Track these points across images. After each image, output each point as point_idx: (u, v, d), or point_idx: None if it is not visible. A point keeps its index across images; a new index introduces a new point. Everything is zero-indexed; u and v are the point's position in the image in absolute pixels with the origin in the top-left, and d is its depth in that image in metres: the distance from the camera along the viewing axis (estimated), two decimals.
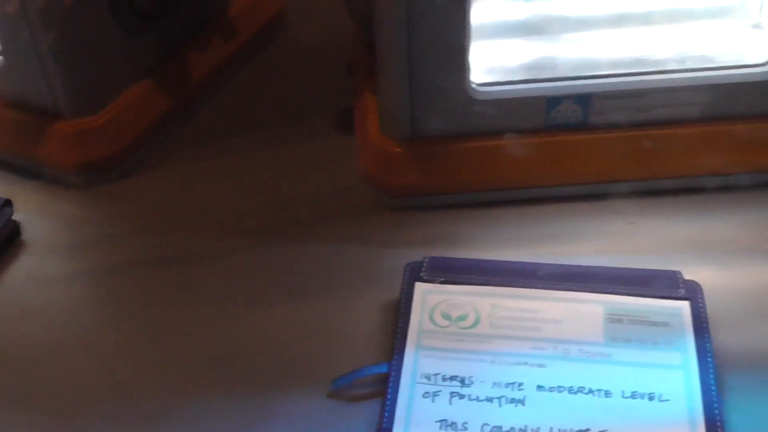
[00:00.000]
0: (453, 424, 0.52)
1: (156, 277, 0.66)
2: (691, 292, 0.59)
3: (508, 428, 0.51)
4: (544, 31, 0.69)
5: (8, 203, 0.68)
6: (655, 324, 0.57)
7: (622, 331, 0.56)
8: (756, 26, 0.69)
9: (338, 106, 0.78)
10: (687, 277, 0.61)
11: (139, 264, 0.67)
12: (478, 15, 0.68)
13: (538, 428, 0.51)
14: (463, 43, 0.62)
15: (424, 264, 0.61)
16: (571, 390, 0.53)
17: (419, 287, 0.60)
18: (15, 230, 0.69)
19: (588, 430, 0.51)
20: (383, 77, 0.65)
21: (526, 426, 0.51)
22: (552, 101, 0.66)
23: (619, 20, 0.71)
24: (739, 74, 0.66)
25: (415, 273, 0.61)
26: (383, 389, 0.55)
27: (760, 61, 0.67)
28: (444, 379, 0.54)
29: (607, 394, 0.53)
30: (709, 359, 0.55)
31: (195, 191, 0.73)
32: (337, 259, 0.65)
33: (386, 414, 0.50)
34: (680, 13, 0.71)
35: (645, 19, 0.71)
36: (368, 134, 0.69)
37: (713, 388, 0.53)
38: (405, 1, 0.60)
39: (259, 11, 0.84)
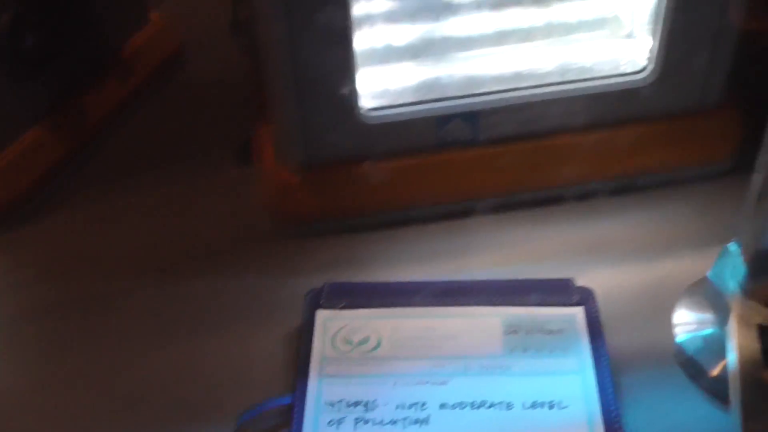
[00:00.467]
0: None
1: (59, 324, 0.63)
2: (585, 298, 0.59)
3: None
4: (429, 53, 0.69)
5: None
6: (550, 332, 0.57)
7: (519, 341, 0.56)
8: (629, 36, 0.69)
9: (238, 138, 0.76)
10: (582, 282, 0.61)
11: (42, 311, 0.64)
12: (363, 41, 0.68)
13: None
14: (350, 69, 0.62)
15: (324, 291, 0.60)
16: (473, 405, 0.53)
17: (320, 314, 0.58)
18: None
19: None
20: (274, 107, 0.64)
21: None
22: (441, 120, 0.66)
23: (501, 37, 0.71)
24: (617, 83, 0.67)
25: (315, 300, 0.60)
26: (289, 420, 0.53)
27: (635, 69, 0.67)
28: (348, 405, 0.53)
29: (509, 406, 0.53)
30: (604, 362, 0.55)
31: (97, 233, 0.71)
32: (239, 291, 0.64)
33: None
34: (558, 28, 0.72)
35: (526, 35, 0.71)
36: (265, 164, 0.68)
37: (610, 390, 0.53)
38: (288, 31, 0.59)
39: (156, 48, 0.83)
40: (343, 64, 0.62)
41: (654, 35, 0.66)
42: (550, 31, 0.72)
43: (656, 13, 0.65)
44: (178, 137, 0.79)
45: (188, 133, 0.80)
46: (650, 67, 0.66)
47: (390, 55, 0.68)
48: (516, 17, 0.72)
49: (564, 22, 0.72)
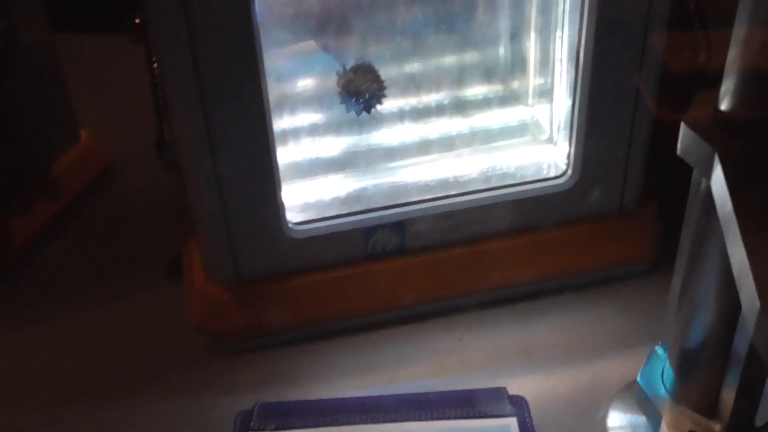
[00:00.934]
0: None
1: None
2: (518, 407, 0.57)
3: None
4: (355, 165, 0.69)
5: None
6: None
7: None
8: (550, 141, 0.70)
9: (169, 254, 0.74)
10: (514, 389, 0.60)
11: None
12: (287, 155, 0.67)
13: None
14: (274, 186, 0.61)
15: (255, 412, 0.58)
16: None
17: None
18: None
19: None
20: (200, 224, 0.62)
21: None
22: (368, 232, 0.65)
23: (425, 147, 0.71)
24: (539, 188, 0.67)
25: (246, 423, 0.57)
26: None
27: (556, 174, 0.67)
28: None
29: None
30: None
31: (22, 360, 0.67)
32: (170, 414, 0.61)
33: None
34: (481, 135, 0.72)
35: (449, 144, 0.71)
36: (194, 281, 0.66)
37: None
38: (210, 150, 0.58)
39: (86, 167, 0.81)
40: (267, 180, 0.61)
41: (570, 140, 0.66)
42: (472, 138, 0.73)
43: (571, 119, 0.65)
44: (107, 255, 0.77)
45: (118, 251, 0.77)
46: (569, 172, 0.66)
47: (315, 168, 0.68)
48: (439, 127, 0.72)
49: (486, 128, 0.73)
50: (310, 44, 0.65)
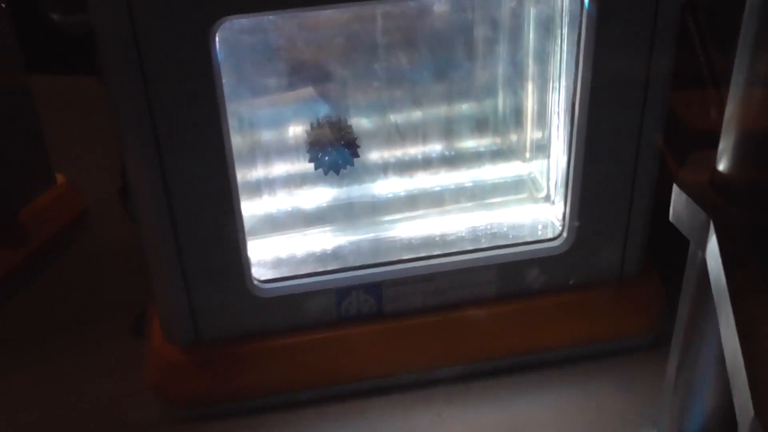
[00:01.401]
0: None
1: None
2: None
3: None
4: (332, 220, 0.64)
5: None
6: None
7: None
8: (547, 199, 0.64)
9: (136, 308, 0.69)
10: None
11: None
12: (256, 207, 0.63)
13: None
14: (237, 240, 0.56)
15: None
16: None
17: None
18: None
19: None
20: (156, 280, 0.57)
21: None
22: (341, 293, 0.60)
23: (411, 202, 0.66)
24: (532, 250, 0.62)
25: None
26: None
27: (551, 236, 0.62)
28: None
29: None
30: None
31: None
32: None
33: None
34: (472, 190, 0.68)
35: (438, 200, 0.66)
36: (152, 341, 0.60)
37: None
38: (166, 198, 0.53)
39: (58, 213, 0.76)
40: (230, 233, 0.56)
41: (566, 200, 0.60)
42: (462, 194, 0.68)
43: (566, 177, 0.59)
44: (74, 307, 0.72)
45: (86, 303, 0.73)
46: (564, 234, 0.61)
47: (289, 221, 0.64)
48: (426, 181, 0.67)
49: (478, 184, 0.68)
50: (287, 93, 0.60)
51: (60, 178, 0.78)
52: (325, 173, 0.60)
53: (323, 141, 0.59)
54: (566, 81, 0.59)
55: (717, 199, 0.36)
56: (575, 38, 0.55)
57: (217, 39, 0.50)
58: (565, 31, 0.58)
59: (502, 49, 0.65)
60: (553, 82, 0.62)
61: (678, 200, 0.38)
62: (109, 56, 0.50)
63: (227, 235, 0.56)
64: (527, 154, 0.68)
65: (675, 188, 0.38)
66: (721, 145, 0.37)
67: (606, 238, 0.61)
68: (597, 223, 0.60)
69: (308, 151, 0.60)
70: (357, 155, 0.60)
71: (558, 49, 0.60)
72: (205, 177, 0.54)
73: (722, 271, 0.33)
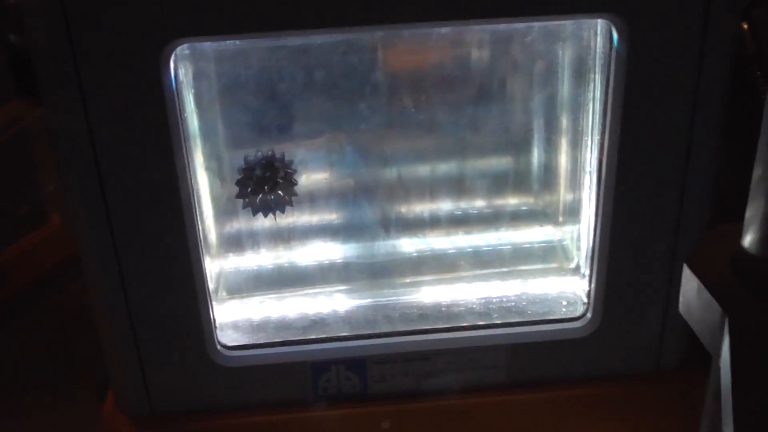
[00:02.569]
0: None
1: None
2: None
3: None
4: (316, 282, 0.58)
5: None
6: None
7: None
8: (576, 271, 0.56)
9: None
10: None
11: None
12: (237, 263, 0.58)
13: None
14: (196, 300, 0.50)
15: None
16: None
17: None
18: None
19: None
20: (103, 340, 0.51)
21: None
22: (319, 368, 0.53)
23: (416, 265, 0.58)
24: (551, 330, 0.54)
25: None
26: None
27: (575, 314, 0.55)
28: None
29: None
30: None
31: None
32: None
33: None
34: (490, 255, 0.60)
35: (448, 263, 0.59)
36: (106, 408, 0.54)
37: None
38: (114, 251, 0.48)
39: (45, 255, 0.72)
40: (190, 293, 0.50)
41: (592, 272, 0.53)
42: (479, 260, 0.60)
43: (594, 243, 0.52)
44: (45, 360, 0.67)
45: (58, 357, 0.68)
46: (589, 315, 0.53)
47: (268, 281, 0.58)
48: (435, 242, 0.60)
49: (500, 248, 0.61)
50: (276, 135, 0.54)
51: (56, 218, 0.73)
52: (254, 214, 0.53)
53: (256, 178, 0.52)
54: (599, 134, 0.50)
55: (737, 290, 0.27)
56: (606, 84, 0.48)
57: (172, 65, 0.44)
58: (598, 76, 0.50)
59: (532, 96, 0.58)
60: (585, 136, 0.54)
61: (688, 287, 0.29)
62: (46, 83, 0.44)
63: (185, 294, 0.50)
64: (560, 218, 0.61)
65: (685, 271, 0.29)
66: (747, 213, 0.28)
67: (640, 320, 0.53)
68: (629, 301, 0.52)
69: (237, 185, 0.52)
70: (290, 203, 0.53)
71: (591, 96, 0.52)
72: (158, 227, 0.48)
73: (730, 393, 0.24)
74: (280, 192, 0.52)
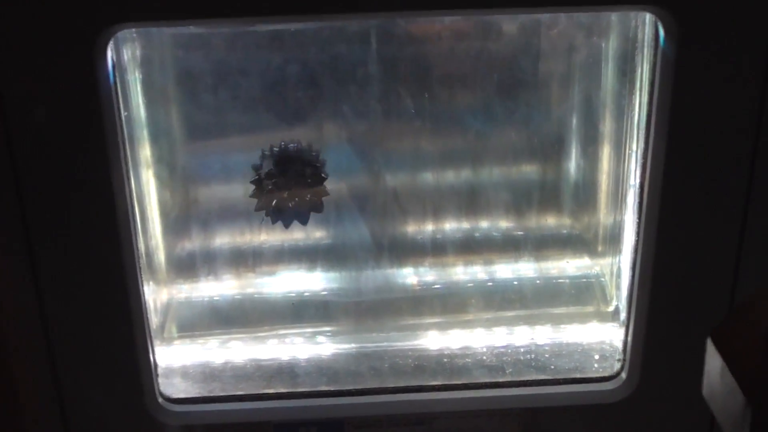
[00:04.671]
0: None
1: None
2: None
3: None
4: (281, 321, 0.61)
5: None
6: None
7: None
8: (615, 316, 0.59)
9: None
10: None
11: None
12: (188, 293, 0.61)
13: None
14: (134, 341, 0.53)
15: None
16: None
17: None
18: None
19: None
20: (20, 392, 0.53)
21: None
22: (284, 430, 0.55)
23: (413, 303, 0.62)
24: (576, 393, 0.56)
25: None
26: None
27: (609, 372, 0.57)
28: None
29: None
30: None
31: None
32: None
33: None
34: (507, 293, 0.62)
35: (457, 303, 0.61)
36: None
37: None
38: (32, 272, 0.51)
39: None
40: (123, 331, 0.52)
41: (629, 320, 0.55)
42: (491, 298, 0.62)
43: (632, 283, 0.54)
44: None
45: None
46: (623, 375, 0.56)
47: (216, 318, 0.60)
48: (439, 275, 0.63)
49: (517, 282, 0.63)
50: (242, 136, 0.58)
51: None
52: (273, 222, 0.57)
53: (276, 176, 0.56)
54: (644, 144, 0.53)
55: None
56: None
57: (111, 52, 0.47)
58: (645, 75, 0.52)
59: (567, 95, 0.60)
60: (628, 145, 0.56)
61: (712, 366, 0.31)
62: None
63: (119, 331, 0.52)
64: (598, 246, 0.63)
65: (709, 348, 0.31)
66: None
67: (688, 382, 0.54)
68: (674, 357, 0.54)
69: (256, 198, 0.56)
70: (320, 207, 0.56)
71: (636, 99, 0.54)
72: (86, 244, 0.50)
73: None
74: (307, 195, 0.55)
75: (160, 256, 0.60)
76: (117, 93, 0.49)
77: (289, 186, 0.56)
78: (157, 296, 0.58)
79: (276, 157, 0.55)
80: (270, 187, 0.55)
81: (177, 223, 0.60)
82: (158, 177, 0.58)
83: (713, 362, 0.31)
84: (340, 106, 0.57)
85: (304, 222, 0.57)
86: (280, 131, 0.57)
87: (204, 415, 0.55)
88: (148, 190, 0.57)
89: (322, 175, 0.56)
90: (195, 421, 0.55)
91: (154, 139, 0.57)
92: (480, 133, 0.60)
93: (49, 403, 0.54)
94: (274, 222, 0.56)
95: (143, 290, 0.53)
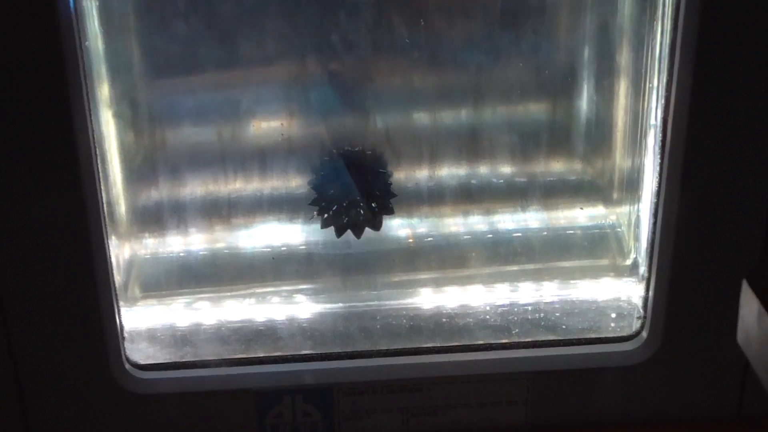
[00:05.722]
0: None
1: None
2: None
3: None
4: (260, 278, 0.62)
5: None
6: None
7: None
8: (634, 270, 0.62)
9: None
10: None
11: None
12: (155, 249, 0.63)
13: None
14: (98, 300, 0.54)
15: None
16: None
17: None
18: None
19: None
20: None
21: None
22: (266, 398, 0.58)
23: (409, 258, 0.63)
24: (591, 354, 0.58)
25: None
26: None
27: (628, 332, 0.59)
28: None
29: None
30: None
31: None
32: None
33: None
34: (513, 246, 0.65)
35: (458, 256, 0.64)
36: None
37: None
38: None
39: None
40: (85, 289, 0.54)
41: (650, 274, 0.57)
42: (495, 251, 0.64)
43: (653, 234, 0.56)
44: None
45: None
46: (644, 334, 0.58)
47: (186, 276, 0.62)
48: (438, 225, 0.65)
49: (523, 234, 0.65)
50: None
51: None
52: (339, 235, 0.60)
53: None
54: (667, 77, 0.55)
55: None
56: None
57: None
58: None
59: (578, 20, 0.62)
60: (648, 79, 0.58)
61: (747, 310, 0.33)
62: None
63: (81, 290, 0.54)
64: (614, 193, 0.65)
65: (745, 290, 0.33)
66: None
67: (715, 344, 0.56)
68: (700, 316, 0.56)
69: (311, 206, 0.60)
70: (391, 210, 0.61)
71: (658, 25, 0.55)
72: (45, 194, 0.51)
73: None
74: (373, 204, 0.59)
75: (122, 207, 0.61)
76: (77, 21, 0.50)
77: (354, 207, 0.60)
78: (119, 252, 0.59)
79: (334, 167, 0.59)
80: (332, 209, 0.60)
81: (141, 169, 0.60)
82: (120, 117, 0.59)
83: (749, 306, 0.33)
84: (326, 36, 0.58)
85: (358, 236, 0.60)
86: (258, 65, 0.59)
87: (176, 382, 0.57)
88: (108, 132, 0.58)
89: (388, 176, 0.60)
90: (166, 389, 0.57)
91: (115, 74, 0.57)
92: (482, 66, 0.61)
93: (2, 373, 0.55)
94: (340, 235, 0.60)
95: (108, 245, 0.54)
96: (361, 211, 0.61)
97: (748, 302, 0.34)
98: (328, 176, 0.60)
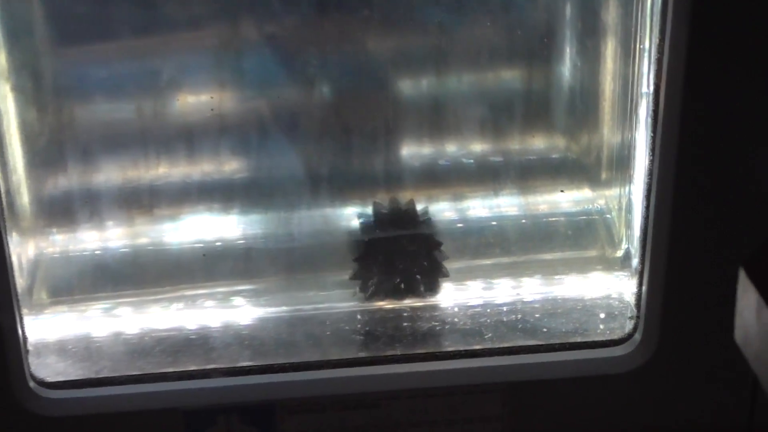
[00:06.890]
0: None
1: None
2: None
3: None
4: (189, 278, 0.63)
5: None
6: None
7: None
8: (626, 262, 0.63)
9: None
10: None
11: None
12: (65, 246, 0.63)
13: None
14: None
15: None
16: None
17: None
18: None
19: None
20: None
21: None
22: (197, 419, 0.58)
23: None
24: (575, 361, 0.59)
25: None
26: None
27: (619, 335, 0.60)
28: None
29: None
30: None
31: None
32: None
33: None
34: (487, 235, 0.66)
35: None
36: None
37: None
38: None
39: None
40: None
41: (644, 267, 0.58)
42: (466, 242, 0.66)
43: (646, 221, 0.57)
44: None
45: None
46: (638, 336, 0.58)
47: (102, 277, 0.63)
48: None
49: (499, 221, 0.67)
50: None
51: None
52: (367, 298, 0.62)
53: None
54: (658, 38, 0.55)
55: None
56: None
57: None
58: None
59: None
60: (639, 40, 0.58)
61: (745, 303, 0.34)
62: None
63: None
64: (602, 173, 0.66)
65: (742, 279, 0.34)
66: None
67: (719, 348, 0.57)
68: (702, 316, 0.57)
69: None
70: (446, 272, 0.62)
71: None
72: None
73: None
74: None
75: (24, 197, 0.61)
76: None
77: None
78: (21, 250, 0.59)
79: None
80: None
81: (47, 152, 0.61)
82: (19, 91, 0.59)
83: (747, 298, 0.34)
84: None
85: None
86: (182, 29, 0.59)
87: (90, 402, 0.57)
88: (6, 108, 0.58)
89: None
90: (78, 411, 0.57)
91: (13, 40, 0.57)
92: (444, 26, 0.62)
93: None
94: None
95: (7, 241, 0.54)
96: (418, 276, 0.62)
97: (746, 294, 0.34)
98: (370, 251, 0.62)
